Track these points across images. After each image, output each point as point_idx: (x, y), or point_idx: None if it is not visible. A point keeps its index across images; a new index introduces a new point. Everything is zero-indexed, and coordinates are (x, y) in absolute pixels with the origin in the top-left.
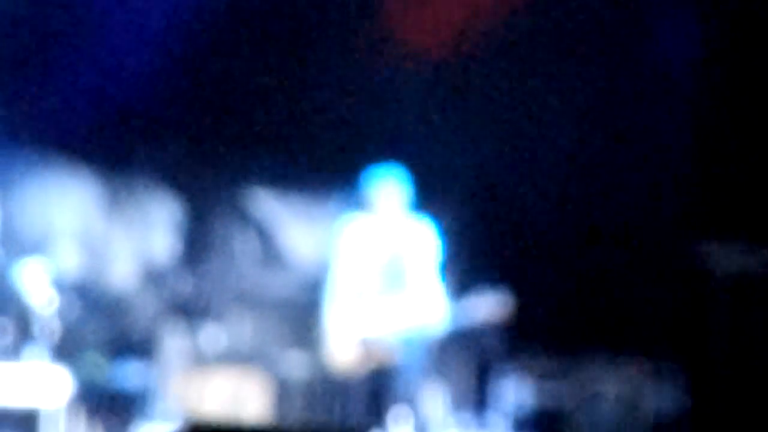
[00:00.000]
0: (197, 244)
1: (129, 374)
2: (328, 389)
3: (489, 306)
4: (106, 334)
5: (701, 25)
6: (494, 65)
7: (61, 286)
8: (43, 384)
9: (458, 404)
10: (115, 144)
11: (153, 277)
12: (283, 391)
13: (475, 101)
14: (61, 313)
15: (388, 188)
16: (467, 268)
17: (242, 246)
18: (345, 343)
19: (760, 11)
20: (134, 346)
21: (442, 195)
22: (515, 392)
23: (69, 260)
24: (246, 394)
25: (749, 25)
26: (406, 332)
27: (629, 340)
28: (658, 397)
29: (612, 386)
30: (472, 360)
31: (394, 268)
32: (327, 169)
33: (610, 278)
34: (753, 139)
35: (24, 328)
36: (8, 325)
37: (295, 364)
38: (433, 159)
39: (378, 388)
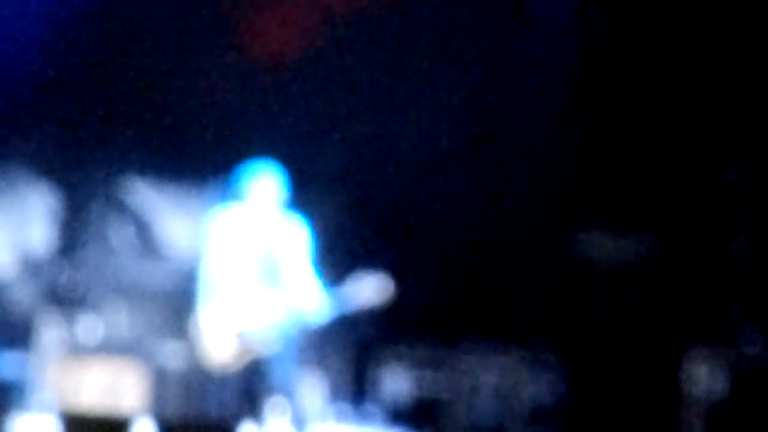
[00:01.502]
0: (74, 234)
1: (5, 365)
2: (205, 380)
3: (368, 290)
4: None
5: (579, 16)
6: (364, 61)
7: None
8: None
9: (336, 395)
10: None
11: (30, 268)
12: (160, 382)
13: (349, 95)
14: None
15: (263, 182)
16: (346, 255)
17: (119, 236)
18: (219, 337)
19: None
20: (11, 336)
21: (321, 182)
22: (393, 382)
23: None
24: (123, 385)
25: (627, 19)
26: (281, 325)
27: (507, 329)
28: (536, 386)
29: (490, 376)
30: (349, 351)
31: (268, 262)
32: (203, 160)
33: (488, 268)
34: (629, 131)
35: None
36: None
37: (172, 355)
38: (310, 150)
39: (254, 380)
